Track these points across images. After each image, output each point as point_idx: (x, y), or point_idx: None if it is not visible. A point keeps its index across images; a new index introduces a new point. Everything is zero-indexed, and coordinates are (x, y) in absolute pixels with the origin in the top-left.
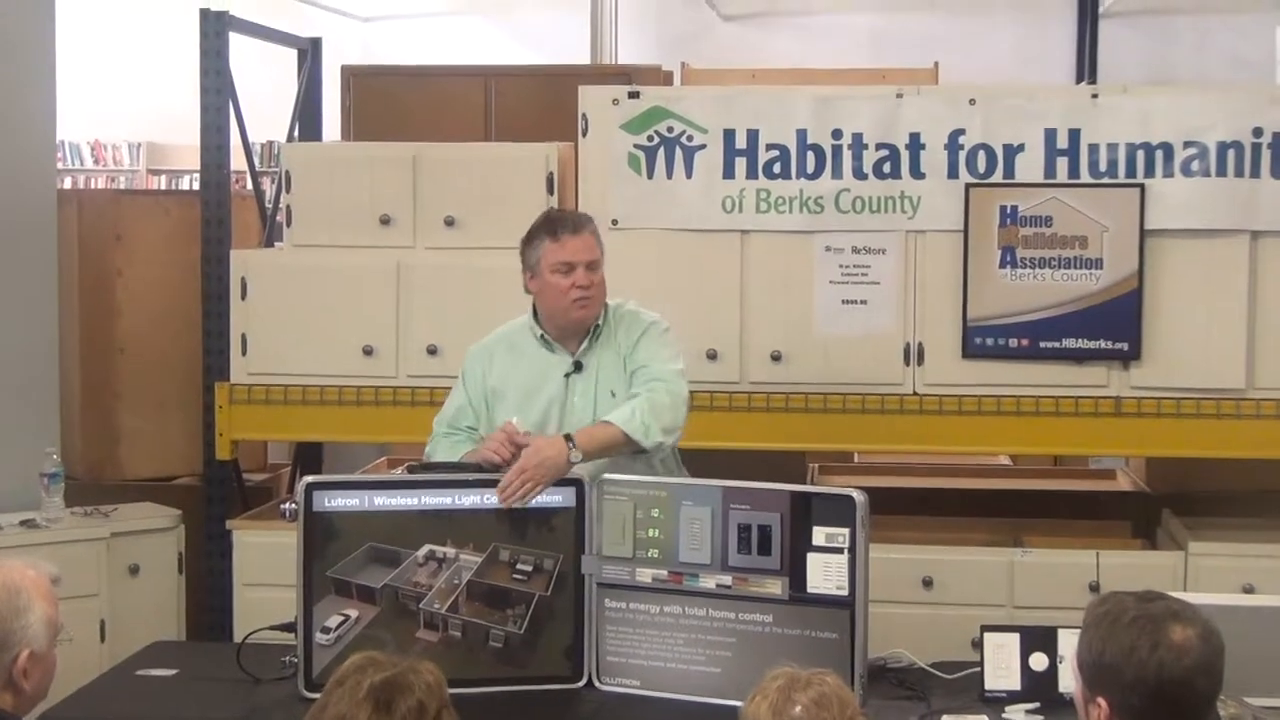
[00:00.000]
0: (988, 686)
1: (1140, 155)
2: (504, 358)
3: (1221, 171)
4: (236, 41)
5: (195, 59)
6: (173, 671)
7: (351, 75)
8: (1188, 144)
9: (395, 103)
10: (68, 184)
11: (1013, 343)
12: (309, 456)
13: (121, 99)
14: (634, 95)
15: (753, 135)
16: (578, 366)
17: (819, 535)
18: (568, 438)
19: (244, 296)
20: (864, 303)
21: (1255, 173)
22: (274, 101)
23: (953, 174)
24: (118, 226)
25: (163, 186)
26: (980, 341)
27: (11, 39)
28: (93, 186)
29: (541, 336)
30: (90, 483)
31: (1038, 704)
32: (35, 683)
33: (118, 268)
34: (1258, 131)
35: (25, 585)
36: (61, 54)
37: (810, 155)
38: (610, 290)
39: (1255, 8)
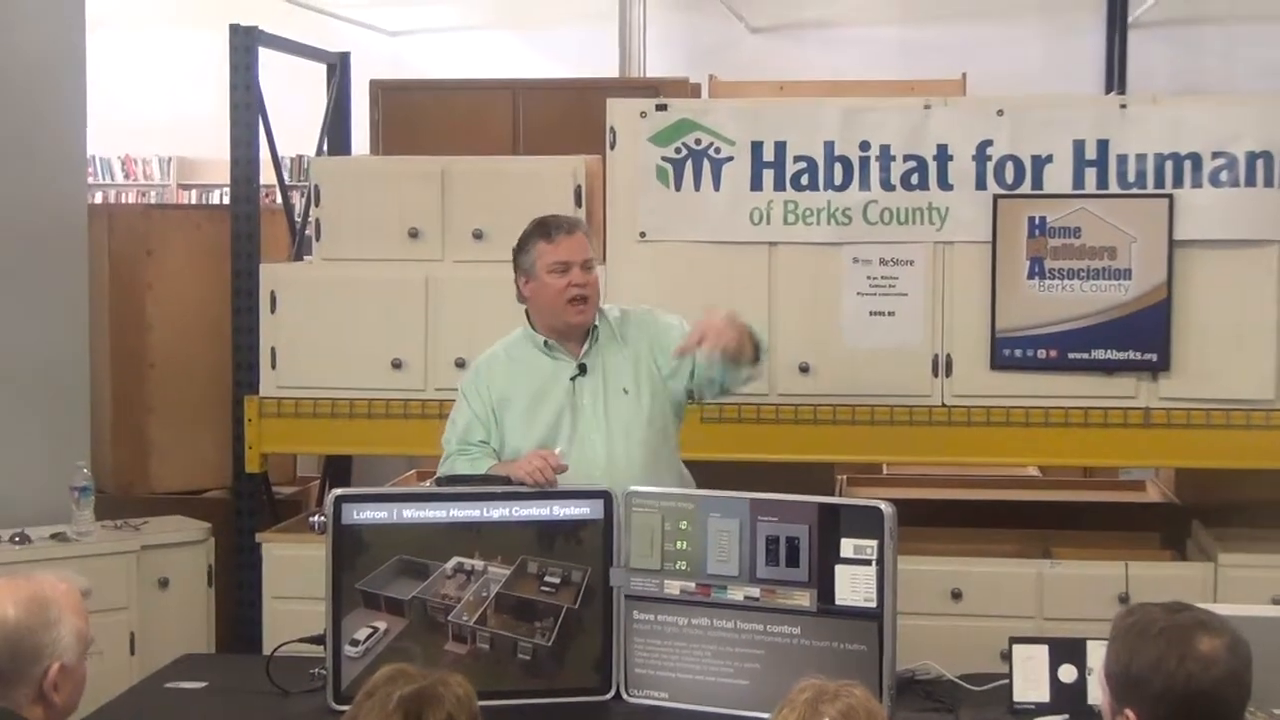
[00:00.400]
0: (1016, 698)
1: (1169, 165)
2: (505, 369)
3: (1251, 182)
4: (266, 56)
5: (225, 74)
6: (202, 684)
7: (380, 89)
8: (1216, 154)
9: (423, 116)
10: (98, 199)
11: (1041, 354)
12: (338, 469)
13: (152, 114)
14: (662, 108)
15: (780, 147)
16: (582, 369)
17: (847, 547)
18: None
19: (273, 310)
20: (892, 314)
21: None
22: (303, 116)
23: (981, 185)
24: (148, 241)
25: (193, 201)
26: (1009, 353)
27: (42, 55)
28: (123, 201)
29: (545, 343)
30: (120, 496)
31: (1066, 715)
32: (66, 696)
33: (148, 282)
34: None
35: (56, 598)
36: (92, 69)
37: (838, 167)
38: (636, 303)
39: None
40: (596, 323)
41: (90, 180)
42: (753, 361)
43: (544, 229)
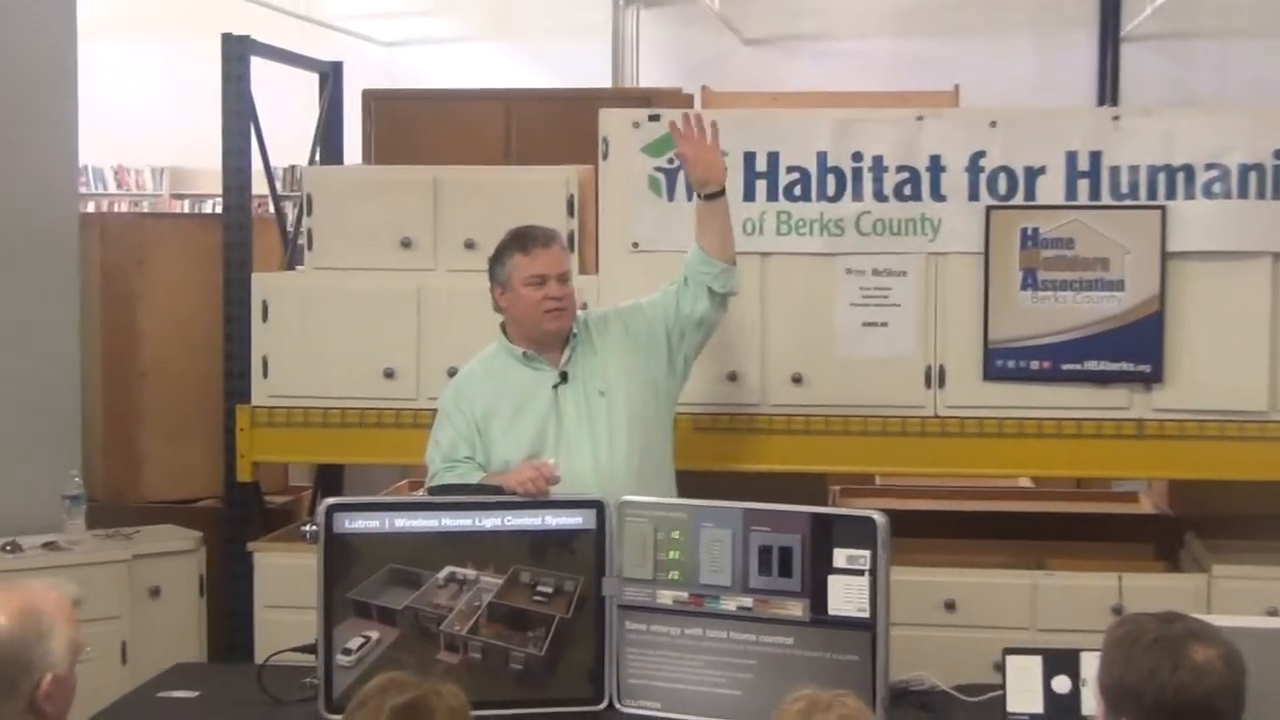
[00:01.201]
0: (1010, 709)
1: (1161, 177)
2: (484, 385)
3: (1243, 193)
4: (259, 66)
5: (218, 84)
6: (194, 693)
7: (372, 99)
8: (1209, 166)
9: (416, 126)
10: (91, 209)
11: (1034, 365)
12: (330, 479)
13: (145, 124)
14: (654, 118)
15: (773, 158)
16: (564, 377)
17: (840, 557)
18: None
19: (265, 319)
20: (885, 325)
21: (1277, 194)
22: (297, 126)
23: (974, 196)
24: (140, 251)
25: (186, 211)
26: (1002, 364)
27: (32, 65)
28: (116, 211)
29: (524, 354)
30: (112, 505)
31: None
32: (57, 706)
33: (140, 291)
34: (1279, 154)
35: (47, 608)
36: (86, 80)
37: (831, 178)
38: None
39: (1277, 31)
40: (575, 330)
41: (83, 190)
42: (728, 259)
43: (520, 241)
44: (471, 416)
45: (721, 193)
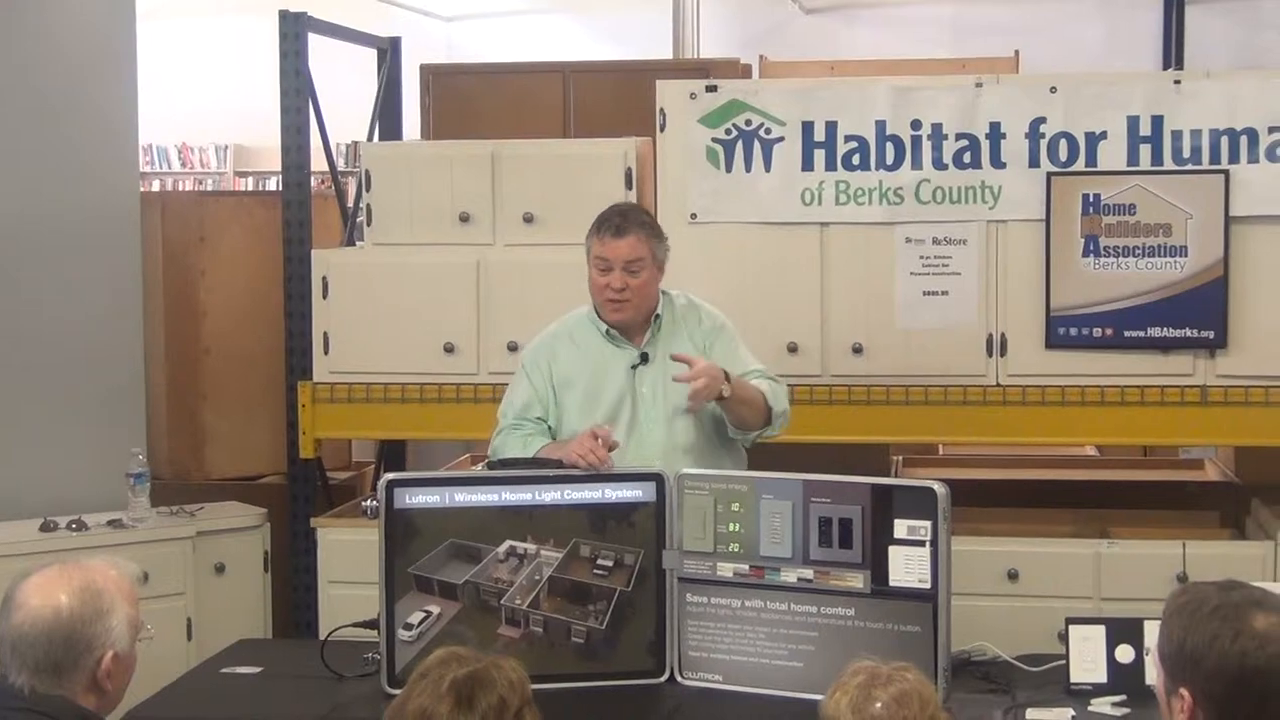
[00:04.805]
0: (1073, 679)
1: (1224, 141)
2: (567, 350)
3: None
4: (318, 43)
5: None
6: (257, 669)
7: (430, 74)
8: (1272, 129)
9: (474, 100)
10: (156, 187)
11: (1097, 332)
12: (394, 454)
13: (209, 102)
14: (711, 89)
15: (831, 127)
16: (644, 358)
17: (900, 528)
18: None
19: (325, 296)
20: (945, 294)
21: None
22: (356, 102)
23: (1034, 163)
24: (201, 228)
25: (250, 188)
26: (1064, 331)
27: (92, 44)
28: (181, 189)
29: (607, 332)
30: (176, 483)
31: (1124, 696)
32: (117, 683)
33: (201, 269)
34: None
35: (108, 587)
36: (150, 58)
37: (889, 146)
38: (687, 285)
39: None
40: (660, 311)
41: (148, 169)
42: (760, 427)
43: (598, 223)
44: (549, 379)
45: (729, 380)
